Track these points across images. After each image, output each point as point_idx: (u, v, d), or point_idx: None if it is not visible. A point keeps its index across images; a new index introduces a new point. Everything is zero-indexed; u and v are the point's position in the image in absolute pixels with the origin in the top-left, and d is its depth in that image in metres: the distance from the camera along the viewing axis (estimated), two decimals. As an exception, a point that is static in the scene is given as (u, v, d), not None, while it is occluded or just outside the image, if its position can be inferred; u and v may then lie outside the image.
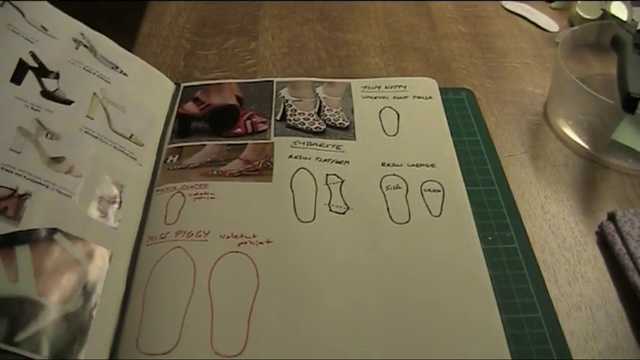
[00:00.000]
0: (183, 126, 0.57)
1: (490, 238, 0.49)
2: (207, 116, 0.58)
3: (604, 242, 0.49)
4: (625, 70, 0.52)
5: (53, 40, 0.53)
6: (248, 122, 0.57)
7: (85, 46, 0.55)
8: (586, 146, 0.57)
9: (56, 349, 0.39)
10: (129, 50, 0.59)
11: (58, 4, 0.55)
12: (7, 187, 0.43)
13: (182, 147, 0.54)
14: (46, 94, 0.50)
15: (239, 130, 0.56)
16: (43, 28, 0.53)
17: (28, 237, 0.42)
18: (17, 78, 0.48)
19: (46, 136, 0.47)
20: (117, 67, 0.56)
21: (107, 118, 0.52)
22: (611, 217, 0.49)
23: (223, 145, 0.55)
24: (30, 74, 0.50)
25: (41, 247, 0.42)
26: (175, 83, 0.62)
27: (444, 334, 0.42)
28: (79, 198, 0.46)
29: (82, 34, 0.56)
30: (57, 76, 0.51)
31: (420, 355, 0.41)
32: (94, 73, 0.54)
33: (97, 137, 0.50)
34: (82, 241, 0.44)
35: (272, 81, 0.62)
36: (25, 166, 0.45)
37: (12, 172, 0.44)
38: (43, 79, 0.50)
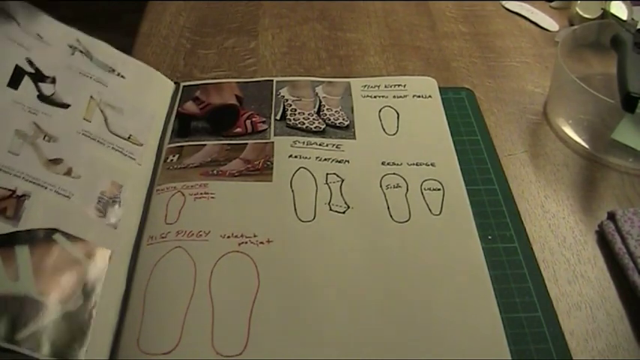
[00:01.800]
0: (183, 125, 0.57)
1: (490, 237, 0.49)
2: (207, 116, 0.58)
3: (604, 241, 0.49)
4: (625, 69, 0.52)
5: (49, 47, 0.54)
6: (248, 122, 0.57)
7: (81, 51, 0.56)
8: (586, 145, 0.57)
9: (56, 348, 0.39)
10: (129, 49, 0.59)
11: (59, 4, 0.55)
12: (6, 188, 0.43)
13: (182, 146, 0.54)
14: (43, 98, 0.50)
15: (239, 129, 0.56)
16: (39, 36, 0.54)
17: (27, 237, 0.42)
18: (14, 83, 0.49)
19: (44, 138, 0.48)
20: (114, 70, 0.57)
21: (105, 120, 0.52)
22: (611, 216, 0.50)
23: (223, 144, 0.55)
24: (27, 79, 0.50)
25: (41, 246, 0.42)
26: (175, 82, 0.61)
27: (443, 333, 0.42)
28: (78, 198, 0.46)
29: (78, 40, 0.56)
30: (53, 80, 0.52)
31: (419, 354, 0.41)
32: (91, 77, 0.54)
33: (94, 139, 0.50)
34: (82, 241, 0.44)
35: (272, 81, 0.62)
36: (23, 168, 0.45)
37: (10, 174, 0.44)
38: (40, 84, 0.51)
